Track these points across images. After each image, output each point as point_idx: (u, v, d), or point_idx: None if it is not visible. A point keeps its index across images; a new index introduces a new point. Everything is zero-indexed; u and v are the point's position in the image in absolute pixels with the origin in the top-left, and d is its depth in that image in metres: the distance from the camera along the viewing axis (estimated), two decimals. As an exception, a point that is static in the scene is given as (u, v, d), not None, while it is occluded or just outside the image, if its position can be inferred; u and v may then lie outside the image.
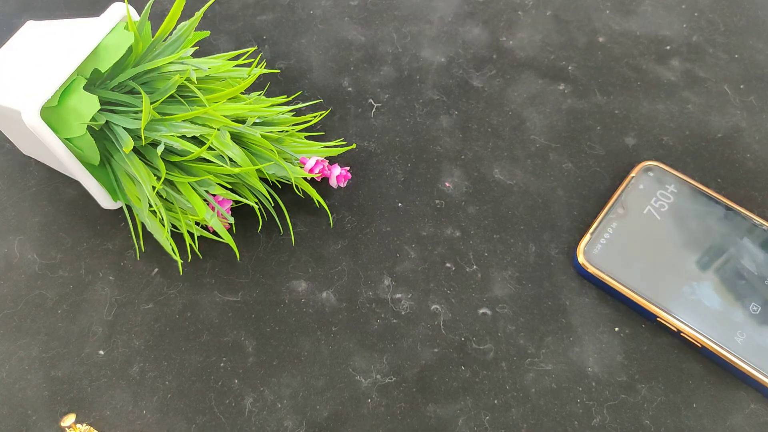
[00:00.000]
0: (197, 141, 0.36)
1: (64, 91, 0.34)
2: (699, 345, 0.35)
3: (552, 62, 0.47)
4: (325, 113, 0.45)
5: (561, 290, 0.38)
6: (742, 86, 0.45)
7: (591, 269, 0.37)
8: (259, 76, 0.47)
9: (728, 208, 0.39)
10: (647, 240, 0.38)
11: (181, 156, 0.36)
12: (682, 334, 0.36)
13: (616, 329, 0.37)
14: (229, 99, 0.37)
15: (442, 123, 0.44)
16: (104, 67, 0.35)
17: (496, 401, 0.35)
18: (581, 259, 0.38)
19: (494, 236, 0.40)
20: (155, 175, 0.36)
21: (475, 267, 0.39)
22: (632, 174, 0.41)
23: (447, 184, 0.42)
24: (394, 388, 0.36)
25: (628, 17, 0.49)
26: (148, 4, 0.36)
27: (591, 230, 0.39)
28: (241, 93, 0.40)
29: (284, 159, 0.39)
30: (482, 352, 0.37)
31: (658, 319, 0.36)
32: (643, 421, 0.35)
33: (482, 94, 0.45)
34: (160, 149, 0.34)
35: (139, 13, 0.37)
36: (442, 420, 0.35)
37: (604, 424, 0.35)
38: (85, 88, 0.34)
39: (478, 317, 0.38)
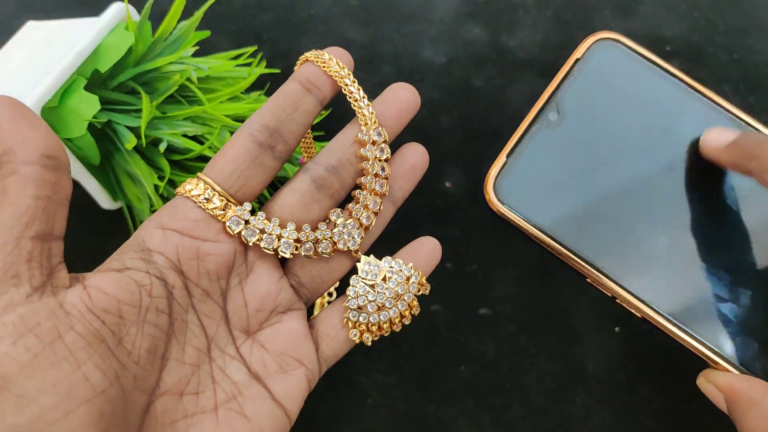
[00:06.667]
0: (198, 141, 0.36)
1: (65, 91, 0.34)
2: (639, 316, 0.29)
3: (552, 62, 0.47)
4: (325, 113, 0.45)
5: (561, 290, 0.38)
6: (742, 86, 0.45)
7: (502, 209, 0.26)
8: (259, 75, 0.47)
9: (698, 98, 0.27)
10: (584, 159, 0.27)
11: (183, 154, 0.36)
12: (617, 300, 0.28)
13: (616, 329, 0.37)
14: (229, 98, 0.37)
15: (442, 123, 0.44)
16: (104, 67, 0.35)
17: (496, 401, 0.35)
18: (490, 193, 0.27)
19: (494, 236, 0.40)
20: (157, 174, 0.36)
21: (475, 267, 0.39)
22: (576, 55, 0.29)
23: (447, 184, 0.42)
24: (394, 388, 0.36)
25: (628, 17, 0.49)
26: (148, 4, 0.36)
27: (507, 151, 0.27)
28: (242, 92, 0.40)
29: (284, 159, 0.39)
30: (482, 352, 0.37)
31: (588, 279, 0.29)
32: (643, 421, 0.35)
33: (482, 94, 0.45)
34: (162, 146, 0.34)
35: (139, 13, 0.37)
36: (442, 420, 0.35)
37: (604, 424, 0.35)
38: (86, 88, 0.34)
39: (478, 317, 0.38)
